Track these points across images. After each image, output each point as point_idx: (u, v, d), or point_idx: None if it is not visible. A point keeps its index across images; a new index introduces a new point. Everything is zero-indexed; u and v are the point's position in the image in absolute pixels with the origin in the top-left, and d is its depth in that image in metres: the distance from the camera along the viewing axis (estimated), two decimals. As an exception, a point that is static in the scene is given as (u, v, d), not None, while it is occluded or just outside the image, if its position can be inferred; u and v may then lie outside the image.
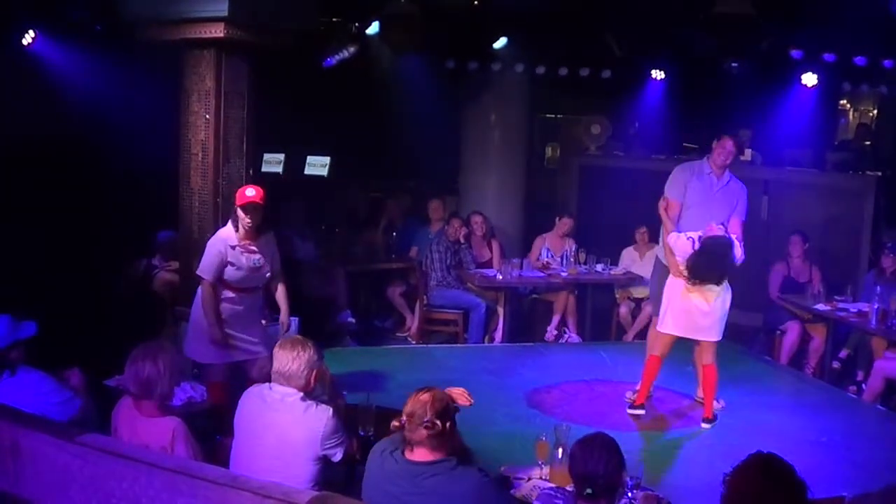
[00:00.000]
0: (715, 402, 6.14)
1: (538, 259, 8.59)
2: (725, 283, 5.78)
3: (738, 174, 6.18)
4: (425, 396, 3.17)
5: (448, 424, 3.16)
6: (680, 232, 5.85)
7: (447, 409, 3.19)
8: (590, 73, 10.14)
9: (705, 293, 5.77)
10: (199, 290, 5.32)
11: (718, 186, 6.01)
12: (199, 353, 5.33)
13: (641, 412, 6.01)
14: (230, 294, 5.29)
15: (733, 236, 5.80)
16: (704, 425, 5.91)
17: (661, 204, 6.06)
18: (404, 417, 3.15)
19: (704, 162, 6.09)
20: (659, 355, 6.00)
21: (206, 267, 5.21)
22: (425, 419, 3.11)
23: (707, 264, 5.68)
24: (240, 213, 5.15)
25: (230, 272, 5.23)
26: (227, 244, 5.20)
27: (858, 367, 7.27)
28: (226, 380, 5.30)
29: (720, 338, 5.88)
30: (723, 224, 5.79)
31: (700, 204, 5.96)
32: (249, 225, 5.17)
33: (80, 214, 7.44)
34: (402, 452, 3.19)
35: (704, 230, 5.71)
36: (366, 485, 3.27)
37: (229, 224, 5.28)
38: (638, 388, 6.12)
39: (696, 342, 5.97)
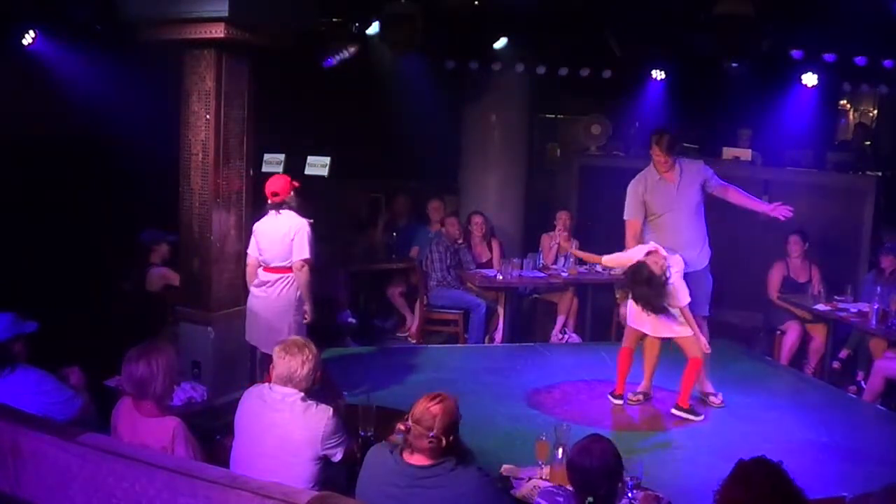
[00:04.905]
0: (713, 398, 6.23)
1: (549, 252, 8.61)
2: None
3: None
4: (436, 409, 3.13)
5: (451, 438, 3.15)
6: (648, 243, 5.90)
7: (454, 424, 3.17)
8: (590, 73, 10.13)
9: None
10: (296, 275, 5.66)
11: (676, 183, 6.06)
12: None
13: (618, 402, 6.18)
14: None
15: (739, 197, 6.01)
16: (674, 410, 5.99)
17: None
18: (410, 422, 3.14)
19: (651, 169, 6.15)
20: (627, 346, 6.20)
21: (310, 248, 5.66)
22: (431, 434, 3.10)
23: (641, 291, 5.71)
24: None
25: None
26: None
27: (858, 367, 7.27)
28: None
29: (686, 334, 5.89)
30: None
31: (669, 209, 6.05)
32: None
33: (80, 214, 7.43)
34: (401, 453, 3.19)
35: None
36: (362, 483, 3.27)
37: (292, 212, 5.75)
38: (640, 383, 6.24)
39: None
